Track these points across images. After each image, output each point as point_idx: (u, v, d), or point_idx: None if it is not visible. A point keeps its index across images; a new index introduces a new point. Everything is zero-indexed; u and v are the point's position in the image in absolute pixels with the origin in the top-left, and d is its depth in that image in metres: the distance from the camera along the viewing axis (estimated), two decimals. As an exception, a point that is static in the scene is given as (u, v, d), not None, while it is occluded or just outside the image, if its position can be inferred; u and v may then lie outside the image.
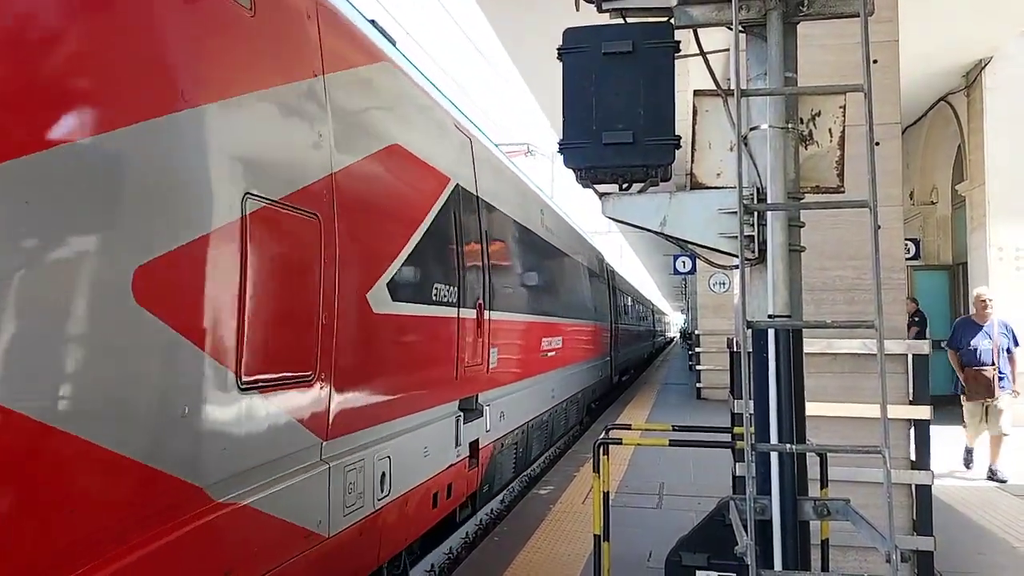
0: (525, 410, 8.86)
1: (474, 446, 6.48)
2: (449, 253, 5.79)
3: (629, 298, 25.22)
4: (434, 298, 5.33)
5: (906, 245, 12.00)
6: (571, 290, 12.55)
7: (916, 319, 11.69)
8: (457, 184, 6.08)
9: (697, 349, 19.47)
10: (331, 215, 3.79)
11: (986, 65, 11.57)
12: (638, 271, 49.52)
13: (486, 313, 6.75)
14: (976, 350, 8.23)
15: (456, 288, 5.85)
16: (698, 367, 18.78)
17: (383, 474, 4.42)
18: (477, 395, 6.60)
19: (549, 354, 10.18)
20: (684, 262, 19.27)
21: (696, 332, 21.28)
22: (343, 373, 3.87)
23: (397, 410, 4.70)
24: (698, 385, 18.24)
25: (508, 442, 8.03)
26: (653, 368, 32.67)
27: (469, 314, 6.22)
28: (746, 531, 2.45)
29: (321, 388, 3.66)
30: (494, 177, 7.70)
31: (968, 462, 8.58)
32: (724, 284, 17.74)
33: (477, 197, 6.75)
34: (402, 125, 5.01)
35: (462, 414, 6.04)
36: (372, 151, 4.43)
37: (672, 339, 79.48)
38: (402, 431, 4.76)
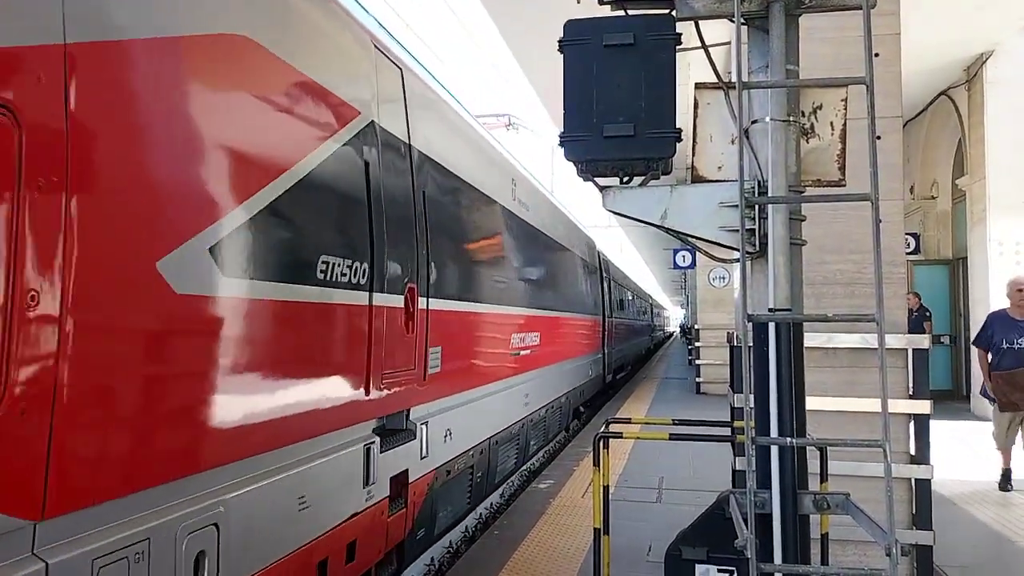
0: (486, 423, 7.21)
1: (400, 480, 4.89)
2: (353, 215, 4.28)
3: (626, 291, 25.00)
4: (321, 276, 3.82)
5: (906, 240, 12.01)
6: (554, 278, 11.02)
7: (928, 314, 11.63)
8: (373, 123, 4.56)
9: (697, 344, 19.52)
10: (55, 113, 2.34)
11: (987, 59, 11.55)
12: (638, 265, 49.56)
13: (423, 301, 5.22)
14: (1016, 350, 7.01)
15: (367, 265, 4.33)
16: (698, 361, 18.85)
17: (201, 554, 2.93)
18: (408, 411, 5.08)
19: (523, 352, 8.59)
20: (684, 256, 19.30)
21: (696, 327, 21.30)
22: (90, 397, 2.45)
23: (231, 448, 3.15)
24: (698, 379, 18.30)
25: (459, 467, 6.35)
26: (652, 363, 32.74)
27: (392, 302, 4.67)
28: (746, 525, 2.45)
29: (20, 428, 2.19)
30: (442, 128, 6.10)
31: (1006, 485, 7.41)
32: (724, 279, 17.85)
33: (410, 146, 5.18)
34: (258, 12, 3.53)
35: (377, 439, 4.52)
36: (178, 32, 2.92)
37: (672, 334, 79.59)
38: (245, 479, 3.23)
